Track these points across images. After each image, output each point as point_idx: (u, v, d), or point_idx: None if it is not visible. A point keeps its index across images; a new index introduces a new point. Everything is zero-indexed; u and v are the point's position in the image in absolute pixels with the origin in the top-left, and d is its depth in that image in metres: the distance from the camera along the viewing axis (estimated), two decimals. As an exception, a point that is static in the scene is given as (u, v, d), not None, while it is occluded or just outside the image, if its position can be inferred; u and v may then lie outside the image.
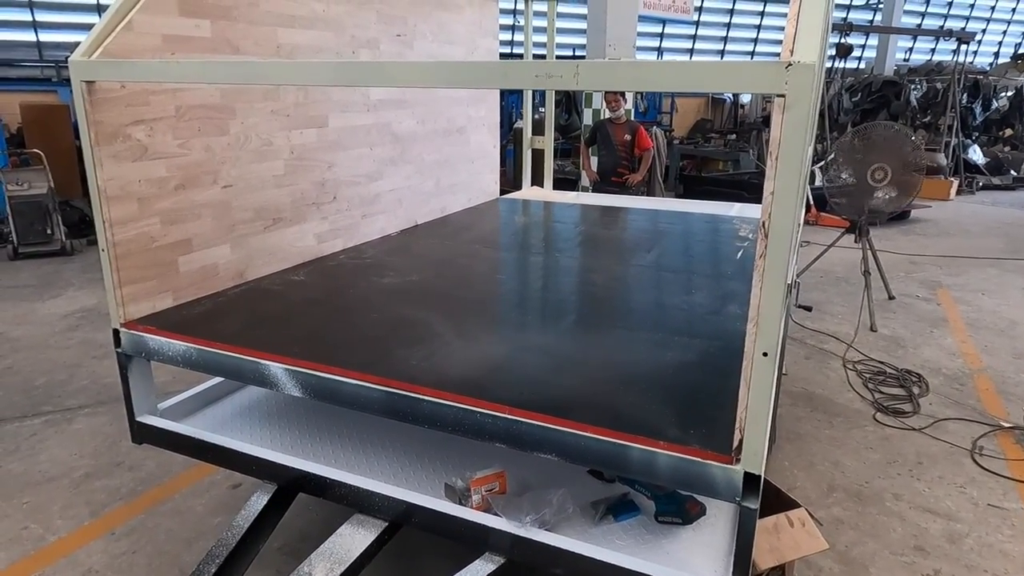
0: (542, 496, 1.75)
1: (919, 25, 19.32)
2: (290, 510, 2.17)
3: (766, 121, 13.84)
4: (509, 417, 1.65)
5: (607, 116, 6.52)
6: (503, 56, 4.38)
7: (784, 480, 3.15)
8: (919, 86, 13.72)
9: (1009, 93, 14.69)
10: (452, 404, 1.72)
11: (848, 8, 18.05)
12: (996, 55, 20.87)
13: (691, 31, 16.37)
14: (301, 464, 1.99)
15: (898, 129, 5.65)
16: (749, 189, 9.08)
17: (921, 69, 15.42)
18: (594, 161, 6.78)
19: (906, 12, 18.28)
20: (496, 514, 1.72)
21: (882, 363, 4.46)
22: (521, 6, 4.71)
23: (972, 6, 20.05)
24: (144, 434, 2.26)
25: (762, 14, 17.02)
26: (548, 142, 5.09)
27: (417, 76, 1.60)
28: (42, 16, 10.41)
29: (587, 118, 8.97)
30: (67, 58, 1.99)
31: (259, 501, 2.06)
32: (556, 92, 6.28)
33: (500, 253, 3.34)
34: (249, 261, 2.67)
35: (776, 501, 2.23)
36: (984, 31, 20.32)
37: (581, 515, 1.81)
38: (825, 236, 6.59)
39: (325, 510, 2.79)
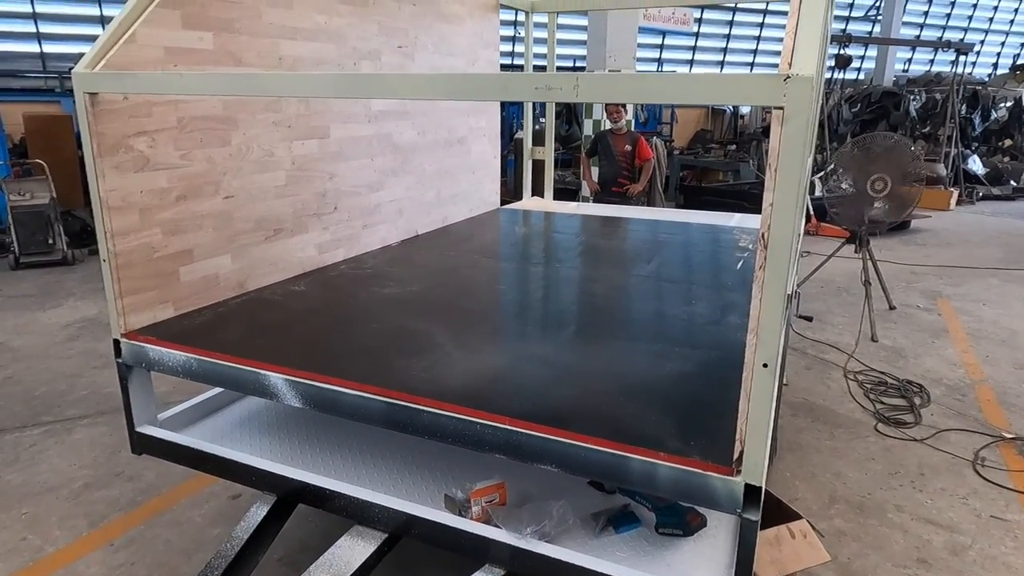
0: (542, 508, 1.74)
1: (918, 36, 19.44)
2: (290, 521, 2.17)
3: (766, 132, 13.88)
4: (509, 428, 1.65)
5: (608, 127, 6.55)
6: (504, 67, 4.40)
7: (785, 491, 3.14)
8: (918, 97, 13.78)
9: (1008, 104, 14.75)
10: (452, 415, 1.72)
11: (847, 20, 18.16)
12: (994, 66, 20.97)
13: (691, 42, 16.47)
14: (301, 475, 1.99)
15: (897, 140, 5.67)
16: (749, 199, 9.11)
17: (920, 80, 15.49)
18: (595, 171, 6.81)
19: (905, 23, 18.40)
20: (496, 526, 1.71)
21: (883, 373, 4.46)
22: (522, 18, 4.73)
23: (970, 17, 20.18)
24: (144, 445, 2.26)
25: (761, 25, 17.13)
26: (548, 153, 5.10)
27: (418, 88, 1.61)
28: (46, 28, 10.49)
29: (588, 129, 9.01)
30: (70, 69, 2.00)
31: (259, 512, 2.06)
32: (556, 103, 6.31)
33: (501, 263, 3.34)
34: (250, 271, 2.67)
35: (777, 512, 2.22)
36: (982, 42, 20.44)
37: (582, 527, 1.81)
38: (826, 246, 6.60)
39: (325, 521, 2.78)
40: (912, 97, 13.72)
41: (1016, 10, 20.46)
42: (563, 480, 1.77)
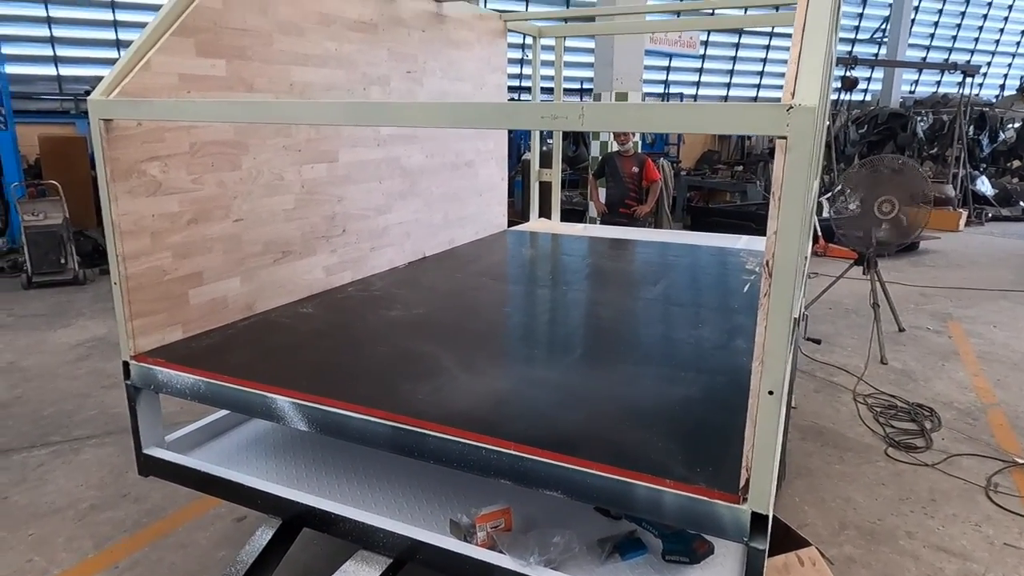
0: (548, 534, 1.73)
1: (924, 58, 19.52)
2: (295, 545, 2.16)
3: (772, 152, 13.92)
4: (514, 453, 1.65)
5: (615, 149, 6.59)
6: (511, 89, 4.44)
7: (794, 516, 3.10)
8: (925, 118, 13.81)
9: (1016, 125, 14.76)
10: (458, 440, 1.71)
11: (853, 42, 18.28)
12: (1002, 87, 21.01)
13: (697, 64, 16.61)
14: (306, 498, 1.98)
15: (904, 162, 5.67)
16: (756, 220, 9.11)
17: (927, 101, 15.54)
18: (602, 193, 6.84)
19: (911, 45, 18.50)
20: (501, 552, 1.70)
21: (893, 397, 4.42)
22: (530, 40, 4.80)
23: (977, 39, 20.27)
24: (151, 467, 2.26)
25: (767, 47, 17.25)
26: (556, 175, 5.14)
27: (425, 116, 1.64)
28: (63, 51, 10.71)
29: (595, 150, 9.07)
30: (86, 91, 2.05)
31: (264, 536, 2.05)
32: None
33: (507, 286, 3.35)
34: (258, 294, 2.69)
35: (786, 539, 2.20)
36: (989, 63, 20.51)
37: (587, 553, 1.79)
38: (834, 267, 6.58)
39: (330, 545, 2.77)
40: (919, 118, 13.76)
41: (1023, 32, 20.54)
42: (569, 505, 1.76)
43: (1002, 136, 14.63)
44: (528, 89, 4.95)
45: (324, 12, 2.86)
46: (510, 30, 4.45)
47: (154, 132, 2.19)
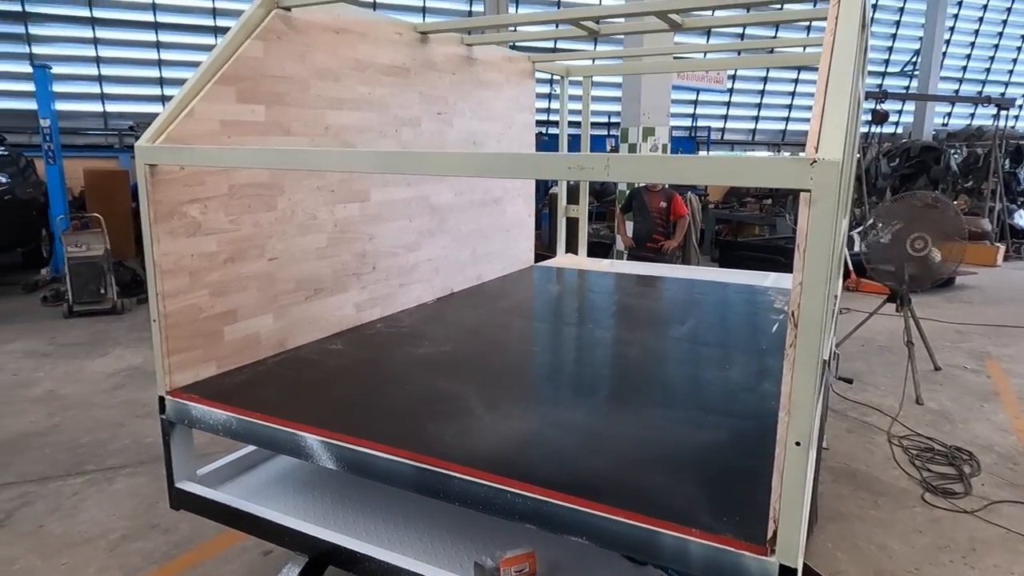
0: (572, 580, 1.72)
1: (956, 91, 19.31)
2: (320, 583, 2.17)
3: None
4: (539, 498, 1.65)
5: (643, 184, 6.62)
6: (539, 123, 4.55)
7: (827, 564, 3.02)
8: (959, 151, 13.60)
9: (1054, 158, 14.43)
10: (482, 482, 1.72)
11: (883, 75, 18.19)
12: (1038, 119, 20.63)
13: (725, 98, 16.66)
14: (332, 536, 2.00)
15: (936, 197, 5.60)
16: (786, 255, 9.01)
17: (961, 134, 15.32)
18: (629, 227, 6.86)
19: (943, 78, 18.33)
20: (525, 597, 1.69)
21: (930, 439, 4.30)
22: (557, 78, 4.89)
23: (1011, 72, 20.01)
24: (182, 500, 2.31)
25: (796, 80, 17.26)
26: (583, 210, 5.18)
27: (455, 166, 1.69)
28: (109, 89, 11.19)
29: (622, 184, 9.11)
30: (130, 127, 2.15)
31: (290, 573, 2.07)
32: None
33: (533, 323, 3.38)
34: (290, 330, 2.75)
35: (817, 589, 2.15)
36: (1024, 96, 20.17)
37: (612, 600, 1.78)
38: (866, 303, 6.47)
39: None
40: (953, 151, 13.56)
41: (1058, 64, 20.23)
42: (594, 549, 1.75)
43: (1039, 169, 14.32)
44: (556, 123, 5.03)
45: (359, 58, 2.97)
46: (538, 70, 4.55)
47: (195, 175, 2.28)
